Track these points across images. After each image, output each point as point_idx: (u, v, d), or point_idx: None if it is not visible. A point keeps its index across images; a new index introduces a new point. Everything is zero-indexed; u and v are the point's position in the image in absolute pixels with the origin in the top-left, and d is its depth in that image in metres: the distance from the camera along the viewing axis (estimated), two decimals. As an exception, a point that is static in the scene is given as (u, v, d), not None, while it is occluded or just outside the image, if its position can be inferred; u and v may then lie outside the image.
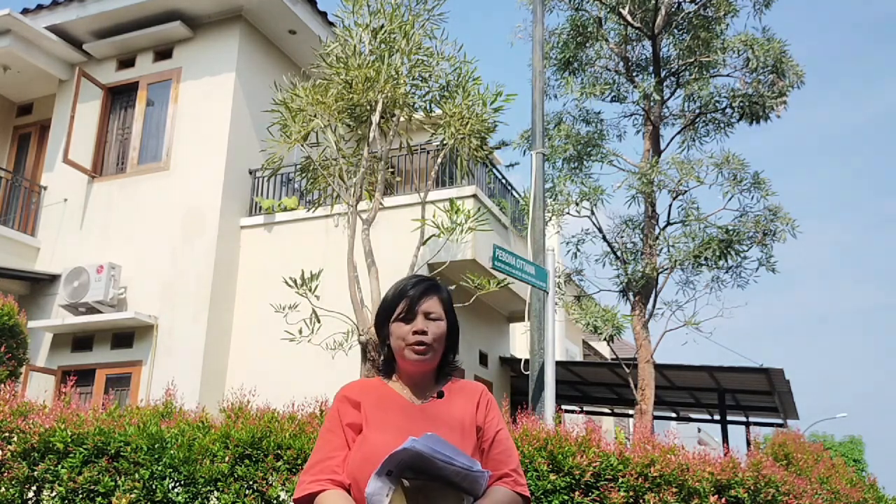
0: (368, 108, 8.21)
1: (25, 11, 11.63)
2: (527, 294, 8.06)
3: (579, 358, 19.82)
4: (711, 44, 9.92)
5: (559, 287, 8.88)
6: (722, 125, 10.38)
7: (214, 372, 9.85)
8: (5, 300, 7.96)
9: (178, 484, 4.41)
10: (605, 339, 9.45)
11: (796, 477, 5.70)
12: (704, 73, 10.14)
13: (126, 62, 11.87)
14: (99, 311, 10.18)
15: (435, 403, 2.07)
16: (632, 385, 9.71)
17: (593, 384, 14.31)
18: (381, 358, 2.16)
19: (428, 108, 8.73)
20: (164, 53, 11.63)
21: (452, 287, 8.45)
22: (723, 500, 4.38)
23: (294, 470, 4.32)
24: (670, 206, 9.80)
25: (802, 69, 9.62)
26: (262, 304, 9.59)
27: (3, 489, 4.52)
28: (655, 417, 10.45)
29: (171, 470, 4.39)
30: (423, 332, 2.04)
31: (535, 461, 4.34)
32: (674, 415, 16.77)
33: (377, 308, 2.21)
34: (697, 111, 10.36)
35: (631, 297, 9.69)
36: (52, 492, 4.51)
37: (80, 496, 4.39)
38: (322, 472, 1.96)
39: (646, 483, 4.31)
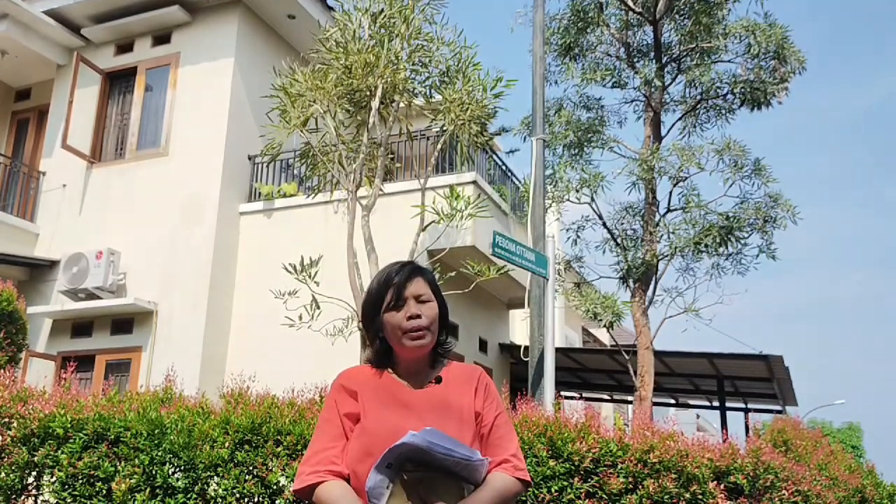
0: (368, 93, 8.17)
1: (23, -5, 11.56)
2: (526, 281, 8.06)
3: (579, 345, 19.85)
4: (713, 29, 9.86)
5: (559, 274, 8.88)
6: (723, 111, 10.34)
7: (214, 358, 9.86)
8: (4, 286, 7.95)
9: (178, 469, 4.42)
10: (604, 326, 9.45)
11: (795, 463, 5.71)
12: (706, 58, 10.08)
13: (124, 47, 11.81)
14: (98, 297, 10.18)
15: (433, 390, 2.05)
16: (631, 372, 9.72)
17: (593, 371, 14.34)
18: (374, 352, 2.10)
19: (428, 93, 8.69)
20: (162, 38, 11.57)
21: (453, 273, 8.47)
22: (722, 486, 4.38)
23: (294, 456, 4.32)
24: (671, 192, 9.78)
25: (804, 55, 9.58)
26: (261, 290, 9.59)
27: (3, 474, 4.53)
28: (654, 404, 10.47)
29: (171, 455, 4.40)
30: (418, 316, 2.01)
31: (534, 447, 4.34)
32: (673, 401, 16.83)
33: (362, 302, 2.15)
34: (698, 97, 10.31)
35: (631, 284, 9.68)
36: (52, 477, 4.52)
37: (80, 481, 4.40)
38: (321, 463, 1.95)
39: (645, 469, 4.32)
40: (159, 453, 4.39)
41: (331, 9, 11.24)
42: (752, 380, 13.03)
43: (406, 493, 1.86)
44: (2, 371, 5.11)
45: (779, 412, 14.09)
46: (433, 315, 2.05)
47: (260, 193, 10.82)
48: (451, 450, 1.85)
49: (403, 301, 2.03)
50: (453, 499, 1.88)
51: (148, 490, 4.31)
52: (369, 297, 2.10)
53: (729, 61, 10.16)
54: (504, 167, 11.59)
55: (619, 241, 10.02)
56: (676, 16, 10.21)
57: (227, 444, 4.38)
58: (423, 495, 1.86)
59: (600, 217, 10.03)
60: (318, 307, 7.90)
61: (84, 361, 10.00)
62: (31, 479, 4.62)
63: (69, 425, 4.53)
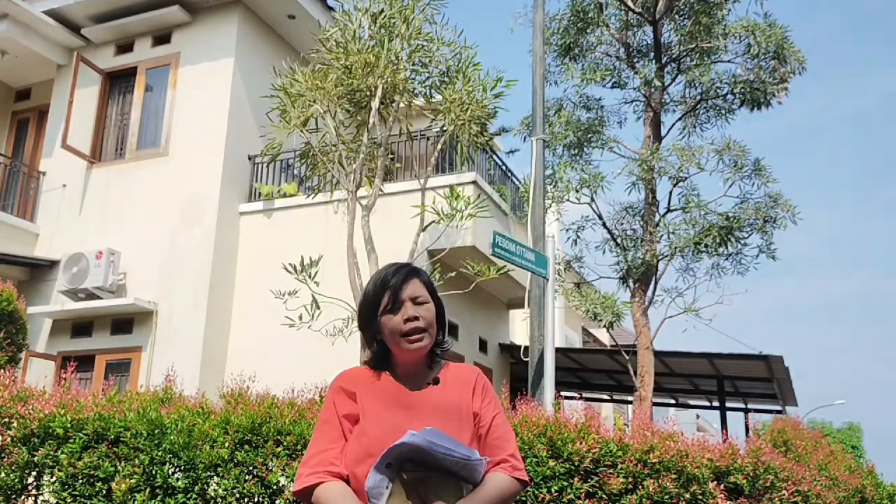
0: (368, 93, 8.17)
1: (23, -5, 11.55)
2: (526, 281, 8.06)
3: (579, 345, 19.85)
4: (713, 29, 9.86)
5: (559, 274, 8.87)
6: (723, 111, 10.34)
7: (214, 358, 9.86)
8: (4, 286, 7.95)
9: (178, 469, 4.42)
10: (604, 326, 9.44)
11: (795, 463, 5.71)
12: (706, 59, 10.08)
13: (124, 47, 11.81)
14: (98, 297, 10.18)
15: (431, 391, 2.05)
16: (631, 372, 9.72)
17: (593, 371, 14.34)
18: (372, 355, 2.09)
19: (428, 93, 8.69)
20: (162, 38, 11.57)
21: (453, 273, 8.47)
22: (722, 486, 4.38)
23: (294, 456, 4.32)
24: (671, 192, 9.78)
25: (804, 55, 9.58)
26: (261, 290, 9.59)
27: (3, 474, 4.53)
28: (654, 404, 10.46)
29: (170, 455, 4.40)
30: (415, 318, 2.01)
31: (534, 447, 4.34)
32: (673, 401, 16.82)
33: (358, 305, 2.16)
34: (698, 97, 10.32)
35: (631, 284, 9.68)
36: (52, 477, 4.52)
37: (80, 481, 4.40)
38: (320, 465, 1.96)
39: (645, 469, 4.32)
40: (159, 453, 4.39)
41: (331, 9, 11.24)
42: (752, 380, 13.02)
43: (405, 493, 1.86)
44: (2, 371, 5.11)
45: (779, 412, 14.09)
46: (431, 317, 2.05)
47: (260, 193, 10.81)
48: (451, 449, 1.85)
49: (400, 303, 2.02)
50: (452, 498, 1.89)
51: (148, 490, 4.31)
52: (366, 301, 2.09)
53: (729, 61, 10.17)
54: (504, 167, 11.59)
55: (618, 241, 10.02)
56: (676, 16, 10.21)
57: (227, 444, 4.38)
58: (422, 495, 1.87)
59: (600, 217, 10.03)
60: (318, 307, 7.90)
61: (84, 361, 10.00)
62: (31, 479, 4.62)
63: (69, 425, 4.53)
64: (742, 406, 15.19)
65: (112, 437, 4.51)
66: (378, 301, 2.05)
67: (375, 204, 8.24)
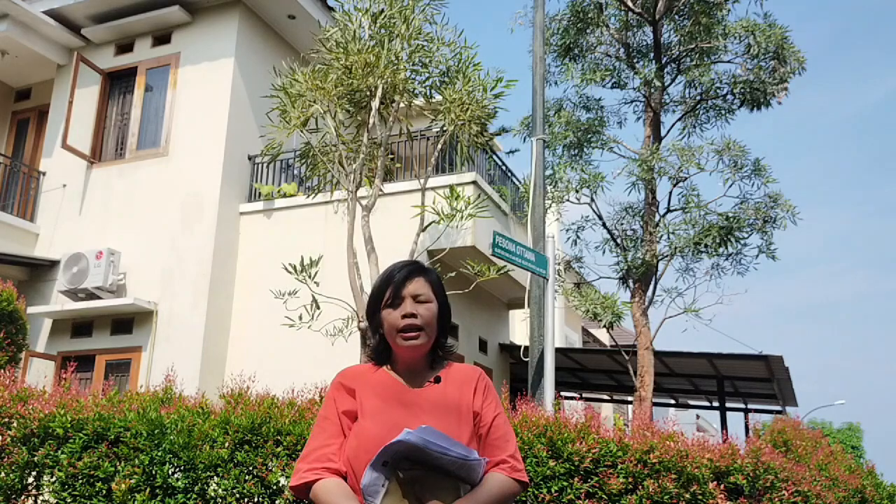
0: (368, 93, 8.17)
1: (23, -5, 11.55)
2: (526, 281, 8.06)
3: (578, 345, 19.86)
4: (713, 29, 9.86)
5: (559, 274, 8.87)
6: (723, 112, 10.34)
7: (214, 358, 9.86)
8: (4, 286, 7.96)
9: (177, 469, 4.42)
10: (604, 326, 9.45)
11: (795, 464, 5.71)
12: (705, 59, 10.08)
13: (124, 47, 11.81)
14: (98, 297, 10.18)
15: (431, 389, 2.05)
16: (631, 372, 9.72)
17: (592, 371, 14.34)
18: (373, 348, 2.11)
19: (428, 93, 8.69)
20: (162, 38, 11.57)
21: (453, 273, 8.47)
22: (722, 486, 4.38)
23: (294, 456, 4.32)
24: (670, 193, 9.78)
25: (804, 55, 9.58)
26: (261, 290, 9.59)
27: (3, 474, 4.53)
28: (654, 404, 10.46)
29: (170, 455, 4.40)
30: (413, 315, 2.01)
31: (534, 447, 4.34)
32: (673, 401, 16.83)
33: (367, 298, 2.19)
34: (698, 98, 10.32)
35: (630, 285, 9.68)
36: (51, 477, 4.52)
37: (80, 481, 4.40)
38: (318, 461, 1.96)
39: (645, 469, 4.32)
40: (159, 453, 4.39)
41: (331, 9, 11.23)
42: (752, 380, 13.03)
43: (402, 492, 1.86)
44: (2, 371, 5.12)
45: (779, 412, 14.09)
46: (430, 315, 2.05)
47: (260, 193, 10.81)
48: (448, 448, 1.84)
49: (401, 300, 2.04)
50: (449, 498, 1.88)
51: (148, 490, 4.31)
52: (372, 294, 2.12)
53: (729, 61, 10.17)
54: (504, 167, 11.59)
55: (618, 241, 10.02)
56: (676, 16, 10.21)
57: (227, 444, 4.38)
58: (418, 494, 1.86)
59: (600, 217, 10.02)
60: (318, 307, 7.91)
61: (84, 361, 10.00)
62: (31, 479, 4.63)
63: (69, 425, 4.54)
64: (742, 406, 15.19)
65: (112, 437, 4.51)
66: (381, 295, 2.07)
67: (375, 204, 8.24)
